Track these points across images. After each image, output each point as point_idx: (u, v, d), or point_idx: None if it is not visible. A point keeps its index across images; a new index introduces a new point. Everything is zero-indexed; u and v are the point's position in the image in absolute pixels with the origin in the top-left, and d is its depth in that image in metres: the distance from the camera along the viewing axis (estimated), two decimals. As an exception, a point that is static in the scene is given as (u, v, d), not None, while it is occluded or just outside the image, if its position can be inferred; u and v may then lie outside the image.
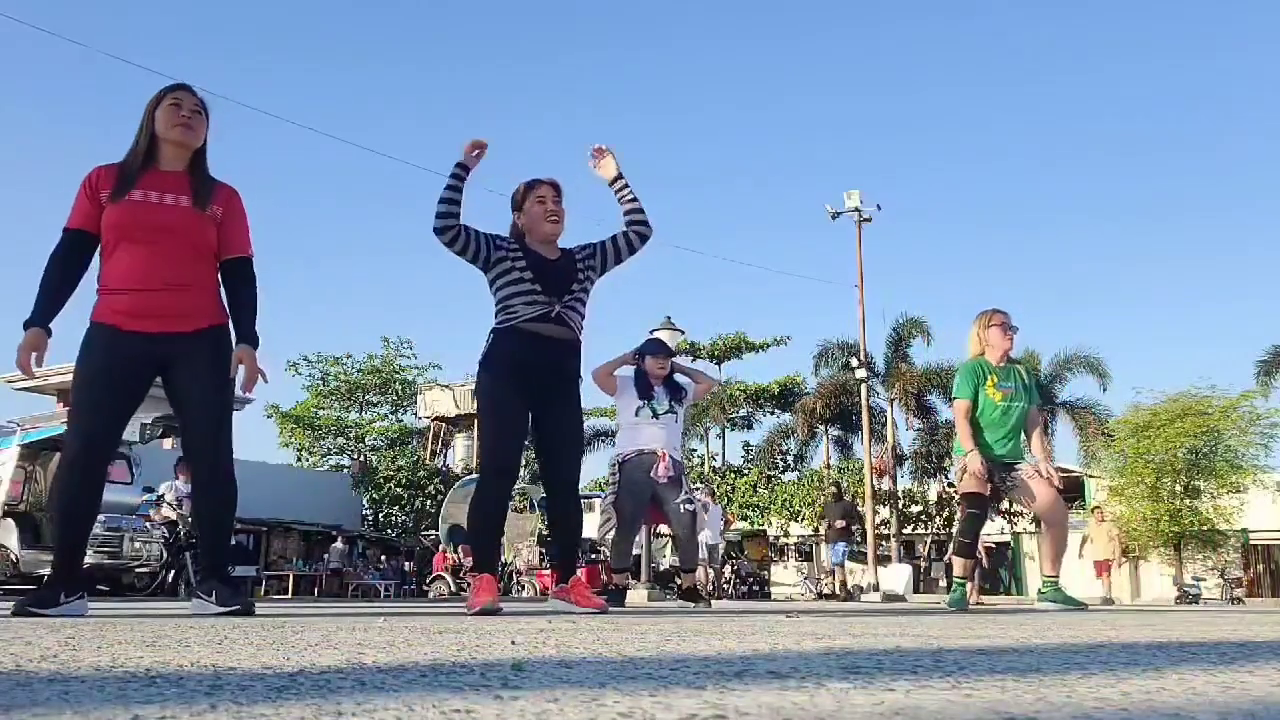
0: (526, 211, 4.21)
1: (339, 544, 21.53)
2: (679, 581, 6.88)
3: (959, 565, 6.00)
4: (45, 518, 13.47)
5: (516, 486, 22.32)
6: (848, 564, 17.24)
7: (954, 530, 6.07)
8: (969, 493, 5.82)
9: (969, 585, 6.10)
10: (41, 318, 3.40)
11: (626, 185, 4.39)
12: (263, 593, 19.05)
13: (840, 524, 15.99)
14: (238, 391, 3.64)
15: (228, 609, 3.36)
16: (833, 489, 18.16)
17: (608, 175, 4.43)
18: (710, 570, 14.70)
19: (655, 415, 6.10)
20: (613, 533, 6.32)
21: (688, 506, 6.10)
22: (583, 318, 4.24)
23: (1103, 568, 17.37)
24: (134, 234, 3.41)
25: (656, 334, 16.49)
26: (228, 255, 3.61)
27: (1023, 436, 5.97)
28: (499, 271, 4.10)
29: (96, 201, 3.45)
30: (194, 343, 3.49)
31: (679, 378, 6.46)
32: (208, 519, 3.65)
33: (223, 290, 3.63)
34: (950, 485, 27.62)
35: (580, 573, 16.48)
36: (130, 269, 3.41)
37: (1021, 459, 5.88)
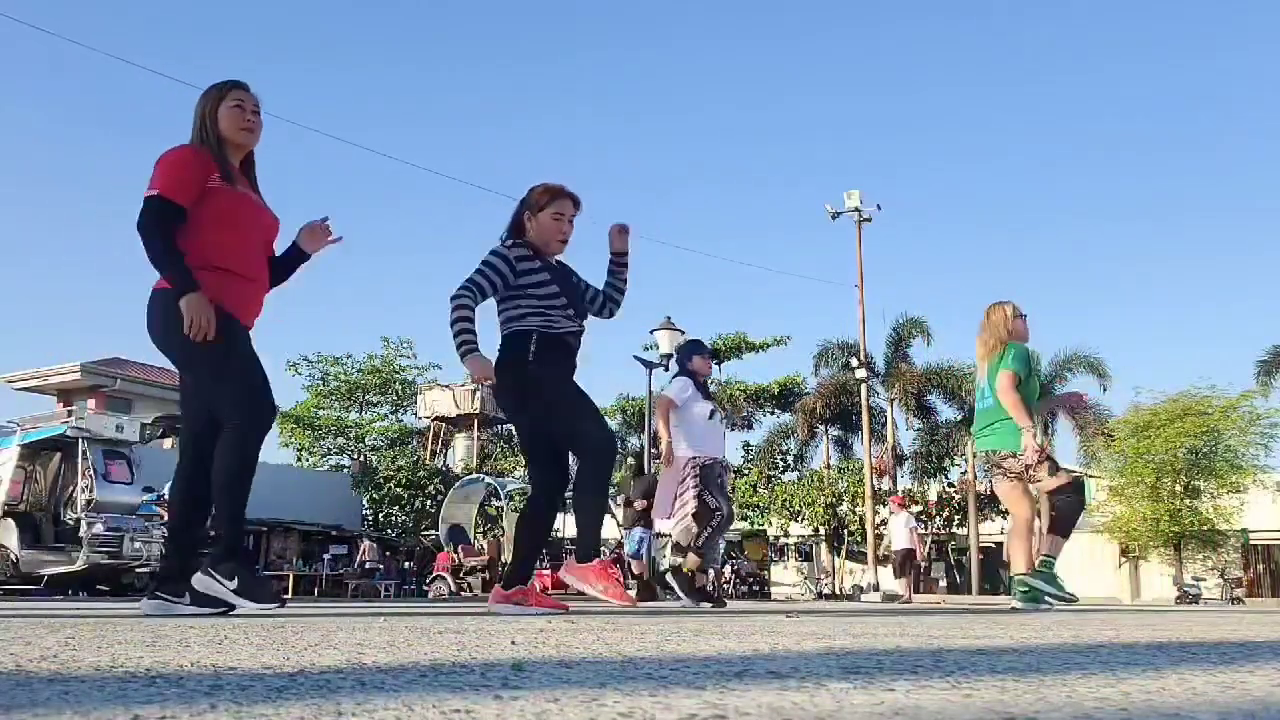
0: (540, 220, 4.18)
1: (368, 543, 21.56)
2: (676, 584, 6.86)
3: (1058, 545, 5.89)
4: (44, 517, 13.48)
5: (516, 486, 22.24)
6: (847, 564, 16.01)
7: (1056, 517, 5.86)
8: (1069, 483, 5.77)
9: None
10: (195, 281, 3.33)
11: (627, 266, 4.43)
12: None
13: (641, 504, 12.24)
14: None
15: (214, 610, 3.27)
16: (633, 460, 13.43)
17: (618, 249, 4.39)
18: (712, 570, 14.72)
19: (721, 420, 6.37)
20: (701, 530, 6.28)
21: (728, 506, 6.38)
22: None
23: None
24: (242, 224, 3.50)
25: (656, 334, 16.52)
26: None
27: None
28: (534, 281, 4.11)
29: (201, 184, 3.41)
30: (250, 339, 3.61)
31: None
32: (203, 510, 3.62)
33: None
34: (950, 485, 27.65)
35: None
36: (236, 253, 3.46)
37: None
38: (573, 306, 4.17)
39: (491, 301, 4.16)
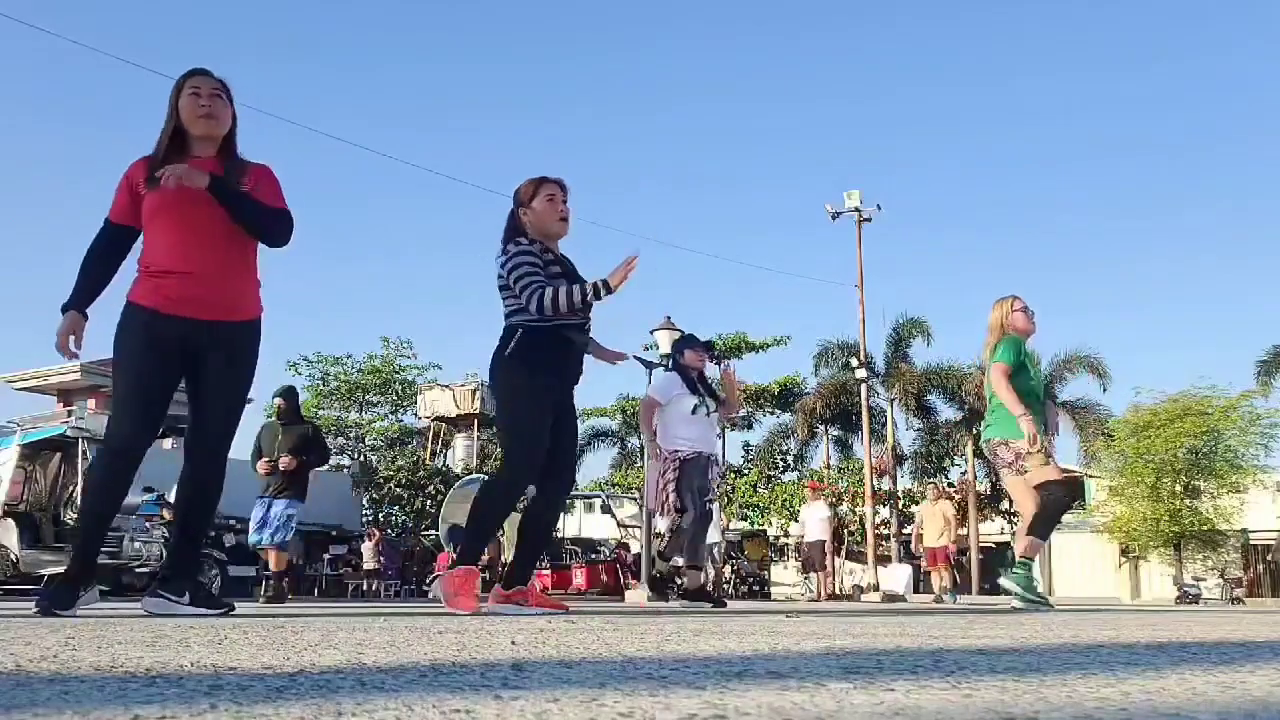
0: (534, 208, 4.13)
1: (369, 544, 21.55)
2: (679, 581, 6.86)
3: (1034, 548, 5.86)
4: (44, 517, 13.48)
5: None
6: (847, 564, 15.32)
7: (1036, 514, 5.79)
8: (1061, 479, 5.74)
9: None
10: (78, 302, 3.44)
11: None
12: (263, 593, 19.04)
13: (285, 462, 8.25)
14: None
15: (214, 611, 3.36)
16: (280, 400, 8.89)
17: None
18: (711, 570, 14.66)
19: (708, 413, 6.30)
20: (664, 527, 6.31)
21: (711, 505, 6.30)
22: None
23: (936, 557, 14.73)
24: (169, 216, 3.40)
25: (656, 334, 16.52)
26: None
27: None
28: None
29: (133, 194, 3.45)
30: (228, 332, 3.48)
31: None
32: (200, 510, 3.58)
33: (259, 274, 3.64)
34: (950, 485, 27.63)
35: (580, 573, 16.21)
36: (170, 250, 3.40)
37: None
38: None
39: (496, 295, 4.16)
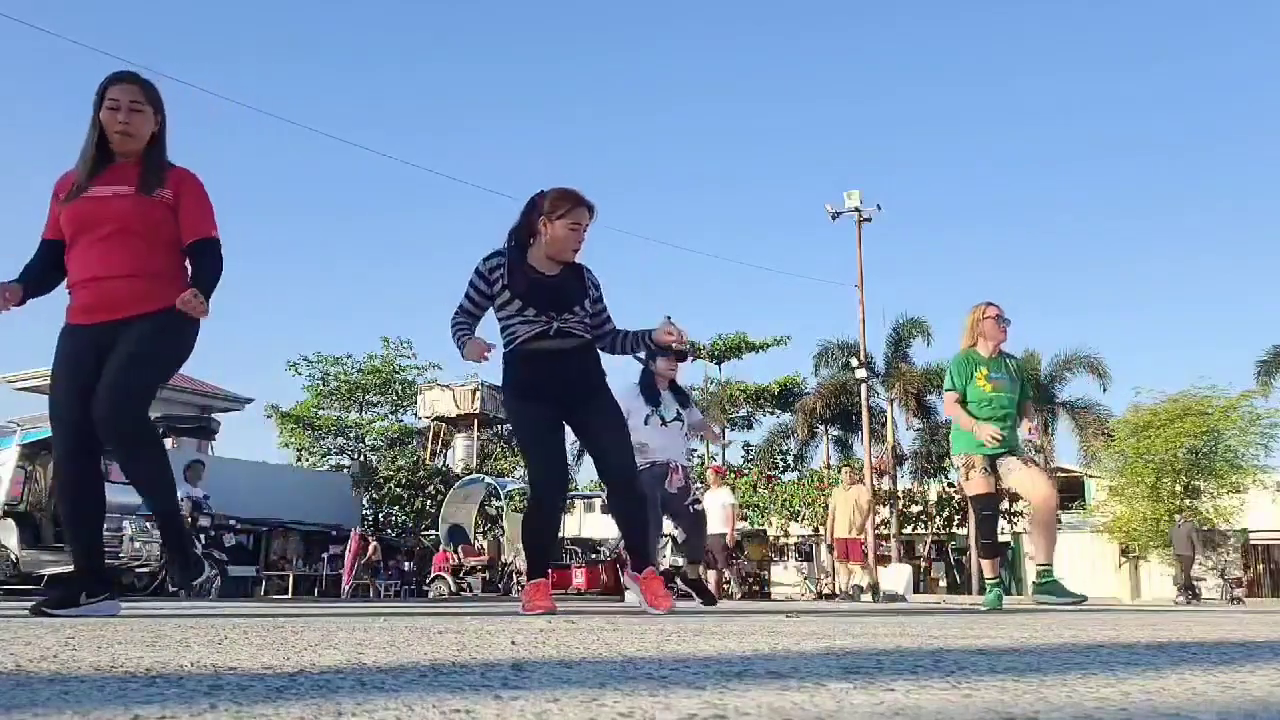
0: (555, 228, 4.06)
1: (374, 542, 21.56)
2: (678, 583, 6.88)
3: (989, 567, 6.07)
4: (44, 518, 13.50)
5: (516, 486, 22.22)
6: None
7: (975, 533, 6.09)
8: (979, 494, 5.85)
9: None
10: (19, 277, 3.50)
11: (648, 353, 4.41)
12: (263, 593, 19.07)
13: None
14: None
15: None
16: None
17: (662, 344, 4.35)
18: (716, 567, 14.56)
19: (664, 423, 6.19)
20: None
21: (696, 507, 6.30)
22: (586, 329, 4.20)
23: (847, 549, 13.37)
24: (81, 230, 3.40)
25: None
26: (189, 240, 3.48)
27: (1018, 430, 6.01)
28: (499, 302, 4.10)
29: (54, 214, 3.50)
30: (136, 324, 3.38)
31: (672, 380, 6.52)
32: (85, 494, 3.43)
33: (187, 274, 3.53)
34: (950, 485, 27.65)
35: (580, 573, 16.11)
36: (82, 264, 3.41)
37: (1013, 449, 5.90)
38: (547, 313, 4.04)
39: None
